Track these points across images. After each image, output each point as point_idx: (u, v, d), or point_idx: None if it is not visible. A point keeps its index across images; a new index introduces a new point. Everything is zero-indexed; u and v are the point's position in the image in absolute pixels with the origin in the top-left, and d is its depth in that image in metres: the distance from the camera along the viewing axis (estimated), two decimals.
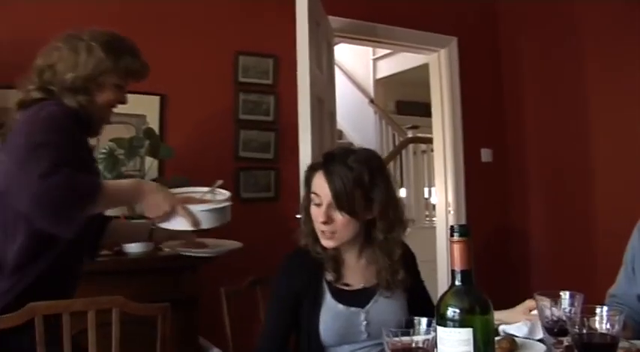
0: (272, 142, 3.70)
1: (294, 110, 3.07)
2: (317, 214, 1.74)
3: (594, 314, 1.24)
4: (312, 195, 1.75)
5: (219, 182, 2.05)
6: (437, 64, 4.52)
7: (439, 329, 1.10)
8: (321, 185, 1.72)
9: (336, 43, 4.15)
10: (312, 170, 1.78)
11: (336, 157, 1.73)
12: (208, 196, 2.01)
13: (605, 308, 1.25)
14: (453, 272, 1.11)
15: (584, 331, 1.22)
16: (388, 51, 7.53)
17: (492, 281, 3.85)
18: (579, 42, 4.04)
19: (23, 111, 1.72)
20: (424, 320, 1.19)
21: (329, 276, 1.82)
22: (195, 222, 1.80)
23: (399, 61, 7.84)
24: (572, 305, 1.37)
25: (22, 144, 1.58)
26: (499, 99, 4.61)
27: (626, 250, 1.96)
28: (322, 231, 1.75)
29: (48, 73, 1.78)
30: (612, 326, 1.22)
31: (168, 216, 1.78)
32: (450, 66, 4.44)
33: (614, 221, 3.75)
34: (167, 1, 3.39)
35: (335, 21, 3.76)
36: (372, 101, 8.25)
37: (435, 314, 1.13)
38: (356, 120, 8.22)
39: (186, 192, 2.00)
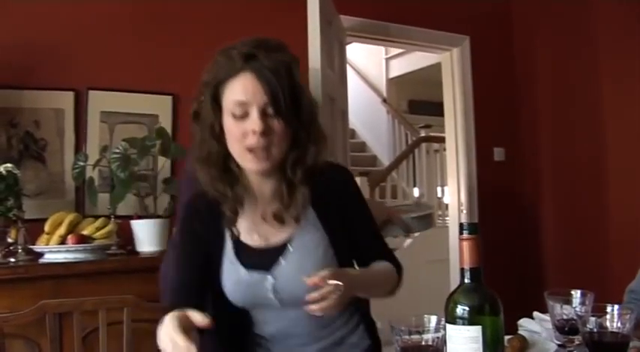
0: None
1: None
2: (245, 128, 1.39)
3: (605, 312, 1.24)
4: (233, 106, 1.39)
5: (420, 195, 2.15)
6: (449, 63, 4.50)
7: (448, 327, 1.10)
8: (247, 88, 1.38)
9: (349, 43, 4.15)
10: (226, 77, 1.41)
11: (258, 53, 1.40)
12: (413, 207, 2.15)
13: (616, 306, 1.24)
14: (462, 270, 1.11)
15: (595, 329, 1.21)
16: (401, 50, 7.52)
17: (504, 280, 3.84)
18: (593, 42, 4.01)
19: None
20: (433, 318, 1.19)
21: (235, 229, 1.54)
22: (407, 227, 1.84)
23: (411, 60, 7.83)
24: (582, 303, 1.36)
25: None
26: (512, 98, 4.58)
27: None
28: (253, 150, 1.40)
29: None
30: (623, 324, 1.21)
31: (384, 224, 1.82)
32: (463, 65, 4.43)
33: (628, 221, 3.73)
34: (179, 1, 3.40)
35: (347, 20, 3.76)
36: (384, 100, 8.25)
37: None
38: (368, 119, 8.22)
39: (395, 205, 2.13)
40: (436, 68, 4.94)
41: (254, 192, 1.53)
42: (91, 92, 3.17)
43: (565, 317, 1.35)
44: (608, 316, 1.23)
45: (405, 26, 4.13)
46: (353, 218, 1.59)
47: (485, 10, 4.51)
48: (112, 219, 2.90)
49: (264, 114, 1.38)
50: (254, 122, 1.37)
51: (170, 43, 3.24)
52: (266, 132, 1.38)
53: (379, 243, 1.65)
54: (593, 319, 1.22)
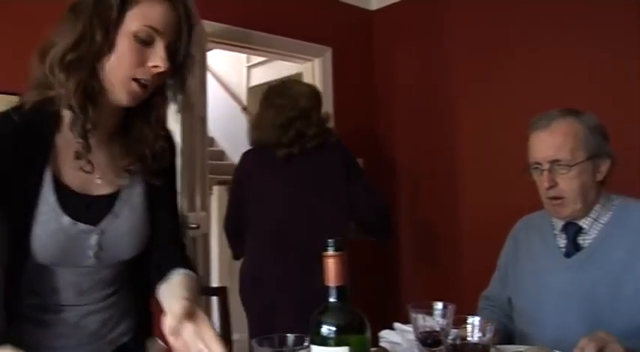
0: None
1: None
2: (146, 58, 1.26)
3: (466, 324, 1.25)
4: (142, 28, 1.24)
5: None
6: (311, 73, 4.52)
7: (313, 348, 1.05)
8: (166, 18, 1.27)
9: (210, 49, 4.05)
10: None
11: None
12: None
13: (476, 318, 1.26)
14: (327, 288, 1.06)
15: (457, 341, 1.22)
16: (263, 58, 7.49)
17: (362, 291, 3.90)
18: (448, 54, 4.18)
19: None
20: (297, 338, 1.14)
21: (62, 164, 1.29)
22: None
23: (273, 69, 7.82)
24: (444, 315, 1.38)
25: None
26: (371, 109, 4.68)
27: (500, 256, 2.03)
28: (141, 85, 1.27)
29: None
30: (484, 334, 1.23)
31: None
32: (324, 75, 4.46)
33: (479, 231, 3.92)
34: None
35: (209, 25, 3.66)
36: (244, 109, 8.17)
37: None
38: (228, 127, 8.10)
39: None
40: (297, 78, 4.94)
41: None
42: None
43: (428, 329, 1.36)
44: (469, 327, 1.25)
45: (267, 34, 4.09)
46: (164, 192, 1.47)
47: (348, 21, 4.58)
48: None
49: (168, 52, 1.27)
50: (160, 58, 1.25)
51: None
52: (166, 71, 1.27)
53: (177, 236, 1.52)
54: (454, 331, 1.23)
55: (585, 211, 1.73)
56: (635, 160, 3.04)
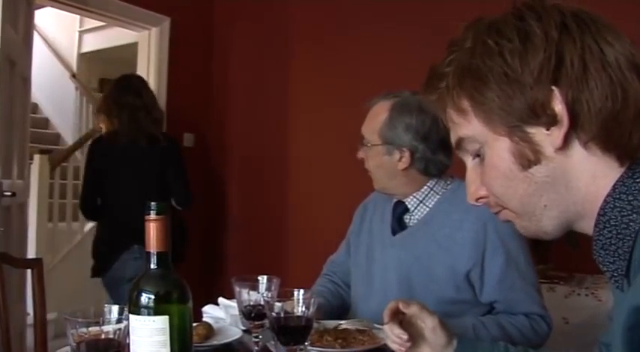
0: None
1: None
2: None
3: (291, 297, 1.25)
4: None
5: None
6: (147, 43, 4.32)
7: (132, 317, 0.99)
8: None
9: (39, 7, 3.74)
10: None
11: None
12: None
13: (301, 291, 1.26)
14: (148, 254, 1.00)
15: (281, 314, 1.22)
16: (98, 24, 7.06)
17: (191, 266, 3.84)
18: (287, 41, 4.20)
19: None
20: (115, 308, 1.07)
21: None
22: None
23: (107, 37, 7.42)
24: (269, 289, 1.37)
25: None
26: (206, 85, 4.59)
27: (351, 224, 2.05)
28: None
29: None
30: (307, 308, 1.23)
31: None
32: (160, 46, 4.28)
33: (306, 210, 4.00)
34: None
35: None
36: (73, 75, 7.68)
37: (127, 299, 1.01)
38: (54, 94, 7.60)
39: None
40: (132, 48, 4.71)
41: None
42: None
43: (252, 303, 1.34)
44: (294, 301, 1.24)
45: None
46: None
47: None
48: None
49: None
50: None
51: None
52: None
53: None
54: (279, 304, 1.23)
55: (404, 191, 1.79)
56: None
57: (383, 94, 1.82)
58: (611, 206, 0.77)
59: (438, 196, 1.78)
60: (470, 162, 0.88)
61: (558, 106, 0.75)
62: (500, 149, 0.81)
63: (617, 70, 0.75)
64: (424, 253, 1.72)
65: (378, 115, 1.77)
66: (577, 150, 0.78)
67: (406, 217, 1.81)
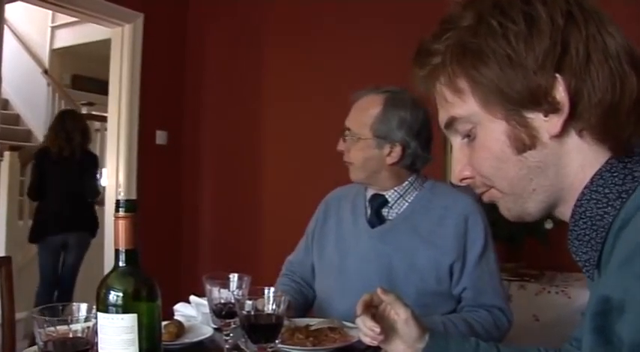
0: None
1: None
2: None
3: (261, 295, 1.25)
4: None
5: None
6: (120, 39, 4.27)
7: (100, 315, 0.98)
8: None
9: (9, 1, 3.67)
10: None
11: None
12: None
13: (272, 289, 1.26)
14: (116, 252, 0.99)
15: (252, 312, 1.21)
16: (70, 19, 6.97)
17: (162, 264, 3.81)
18: (261, 38, 4.19)
19: None
20: (83, 306, 1.06)
21: None
22: None
23: (80, 33, 7.33)
24: (240, 287, 1.37)
25: None
26: (179, 82, 4.55)
27: (310, 222, 2.04)
28: None
29: None
30: (278, 306, 1.23)
31: None
32: (134, 43, 4.23)
33: (278, 208, 4.00)
34: None
35: None
36: (45, 71, 7.58)
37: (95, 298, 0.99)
38: (26, 90, 7.49)
39: None
40: (106, 44, 4.66)
41: None
42: None
43: (223, 300, 1.34)
44: (265, 299, 1.24)
45: None
46: None
47: None
48: None
49: None
50: None
51: None
52: None
53: None
54: (249, 302, 1.22)
55: (385, 185, 1.80)
56: None
57: (370, 88, 1.81)
58: (588, 198, 0.77)
59: (416, 192, 1.80)
60: (458, 141, 0.86)
61: (561, 94, 0.75)
62: (496, 131, 0.80)
63: (617, 62, 0.75)
64: (406, 245, 1.74)
65: (368, 109, 1.76)
66: (572, 138, 0.78)
67: (384, 210, 1.82)
